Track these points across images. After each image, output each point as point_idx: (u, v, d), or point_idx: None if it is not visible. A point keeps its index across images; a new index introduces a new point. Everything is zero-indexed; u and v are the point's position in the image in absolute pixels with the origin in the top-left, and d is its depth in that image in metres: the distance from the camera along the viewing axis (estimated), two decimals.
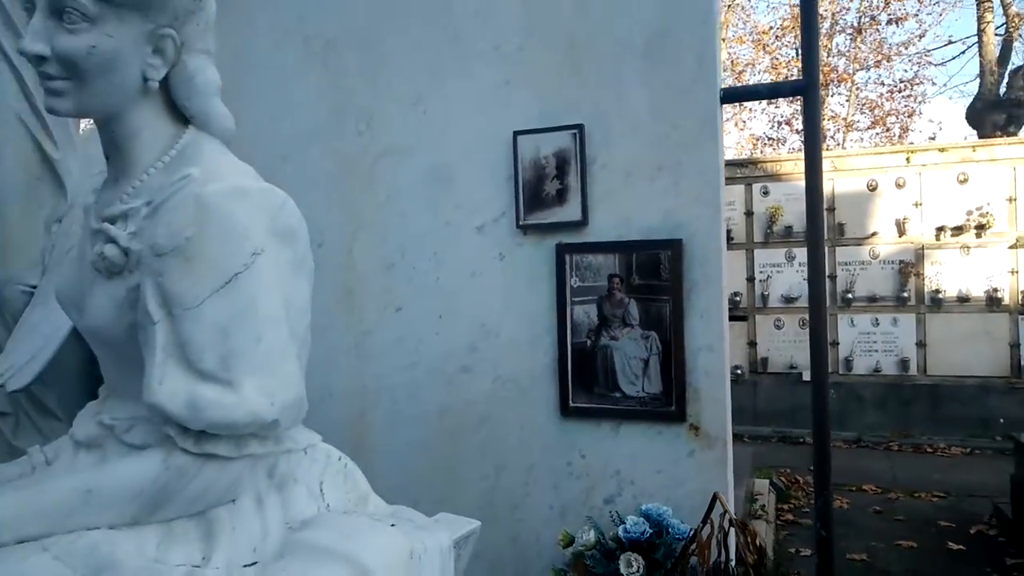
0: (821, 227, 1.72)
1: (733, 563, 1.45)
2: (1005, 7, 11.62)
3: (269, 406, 1.10)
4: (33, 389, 2.00)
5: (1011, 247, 7.83)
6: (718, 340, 1.68)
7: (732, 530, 1.50)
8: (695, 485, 1.69)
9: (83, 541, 1.10)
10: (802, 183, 1.81)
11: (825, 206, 8.03)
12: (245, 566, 1.14)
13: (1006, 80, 11.14)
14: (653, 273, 1.71)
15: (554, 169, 1.77)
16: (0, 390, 2.00)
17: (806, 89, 1.63)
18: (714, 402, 1.69)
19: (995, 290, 7.87)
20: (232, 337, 1.10)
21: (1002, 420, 7.73)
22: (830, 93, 13.93)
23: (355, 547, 1.13)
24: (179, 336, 1.10)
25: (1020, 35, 12.18)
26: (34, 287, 2.03)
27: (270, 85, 2.11)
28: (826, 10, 13.09)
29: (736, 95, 2.16)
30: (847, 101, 14.99)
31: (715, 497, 1.53)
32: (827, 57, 13.51)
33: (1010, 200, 7.85)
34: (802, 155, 1.84)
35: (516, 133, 1.81)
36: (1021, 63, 11.37)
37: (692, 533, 1.56)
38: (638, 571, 1.53)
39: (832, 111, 14.19)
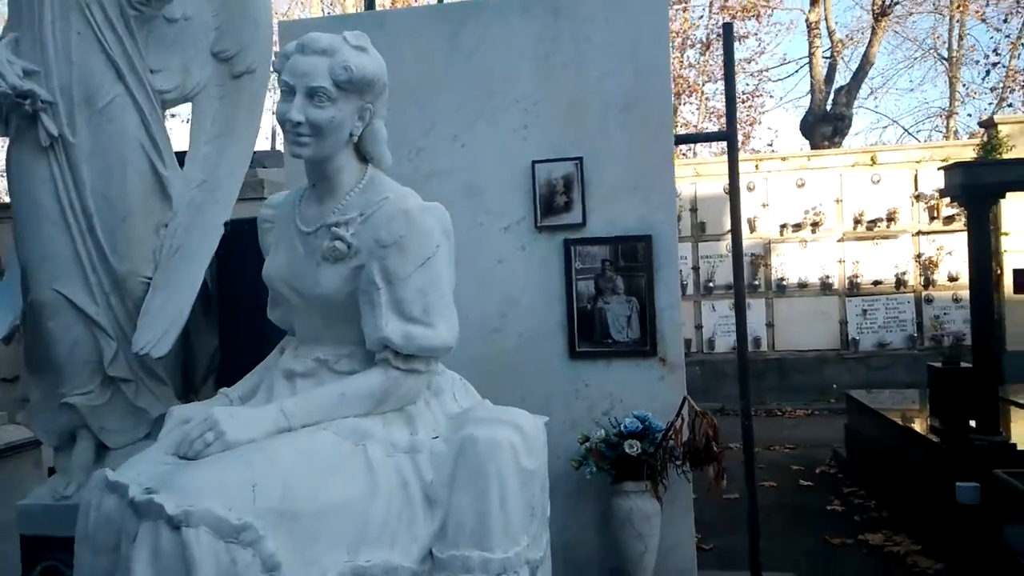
0: (739, 232, 2.68)
1: (698, 439, 2.34)
2: (831, 33, 13.60)
3: (450, 338, 1.88)
4: (146, 359, 2.59)
5: (839, 241, 9.43)
6: (675, 302, 2.59)
7: (695, 420, 2.39)
8: (663, 398, 2.58)
9: (347, 422, 1.82)
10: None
11: (689, 207, 9.34)
12: (434, 438, 1.89)
13: (832, 97, 13.07)
14: (632, 258, 2.59)
15: (562, 187, 2.61)
16: (140, 358, 2.56)
17: (729, 137, 2.58)
18: (674, 343, 2.60)
19: (827, 277, 9.44)
20: (428, 296, 1.85)
21: (835, 385, 9.26)
22: (682, 103, 15.54)
23: (509, 416, 1.93)
24: (395, 296, 1.83)
25: (843, 58, 14.27)
26: (149, 278, 2.60)
27: None
28: (680, 27, 14.62)
29: (682, 140, 3.08)
30: (697, 110, 16.74)
31: (685, 399, 2.42)
32: (679, 69, 15.05)
33: (838, 201, 9.45)
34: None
35: (534, 162, 2.63)
36: (844, 83, 13.32)
37: (669, 424, 2.44)
38: (636, 450, 2.40)
39: (684, 119, 15.81)
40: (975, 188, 4.86)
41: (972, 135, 9.09)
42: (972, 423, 4.81)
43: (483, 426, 1.85)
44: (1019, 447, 4.39)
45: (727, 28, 2.62)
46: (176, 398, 2.74)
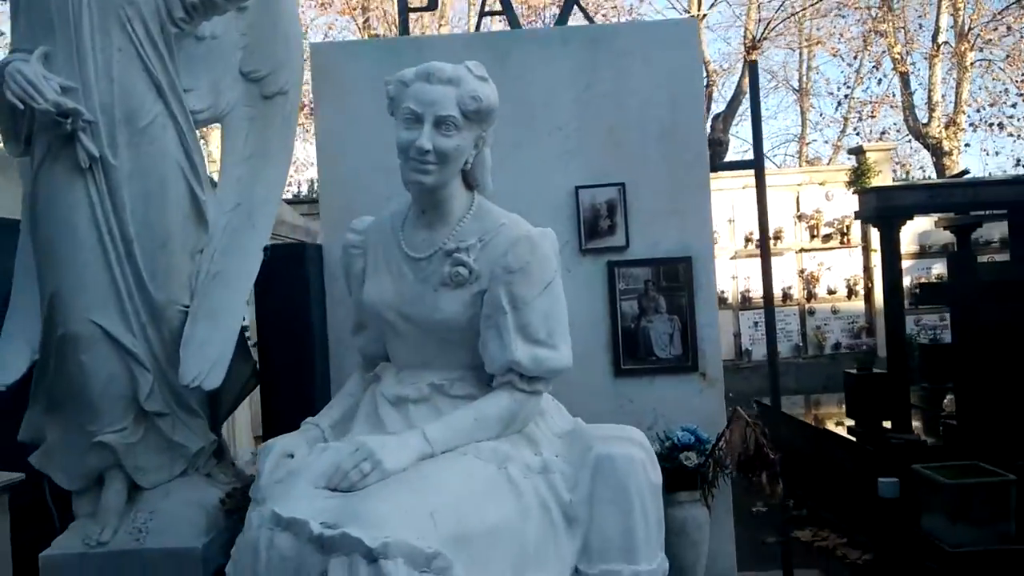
0: (768, 249, 2.89)
1: (750, 447, 2.50)
2: (706, 64, 14.54)
3: (570, 359, 1.94)
4: (182, 393, 2.48)
5: (731, 258, 10.04)
6: (713, 319, 2.75)
7: (746, 429, 2.55)
8: (703, 411, 2.72)
9: (485, 446, 1.84)
10: None
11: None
12: (556, 456, 1.94)
13: (709, 123, 13.95)
14: (673, 278, 2.73)
15: (605, 211, 2.71)
16: (174, 391, 2.44)
17: (756, 164, 2.79)
18: (713, 358, 2.75)
19: (722, 292, 10.00)
20: (550, 319, 1.92)
21: (731, 394, 9.85)
22: None
23: (628, 433, 2.00)
24: (521, 320, 1.88)
25: (719, 87, 15.29)
26: (186, 306, 2.48)
27: (373, 146, 2.76)
28: None
29: (717, 167, 3.28)
30: None
31: (735, 410, 2.58)
32: None
33: (730, 221, 10.06)
34: None
35: (577, 187, 2.72)
36: (720, 110, 14.26)
37: (719, 435, 2.59)
38: (693, 462, 2.53)
39: None
40: (887, 210, 5.42)
41: (866, 150, 9.92)
42: (888, 423, 5.33)
43: (613, 444, 1.91)
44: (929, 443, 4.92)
45: (752, 66, 2.85)
46: (210, 431, 2.62)
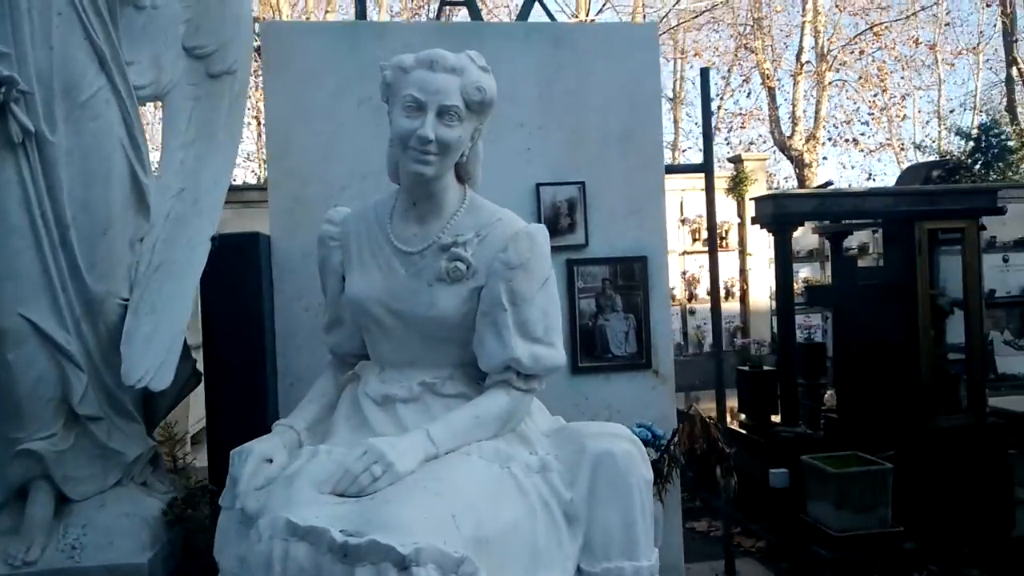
0: (715, 248, 2.98)
1: (705, 443, 2.58)
2: None
3: (564, 357, 1.94)
4: (117, 394, 2.29)
5: None
6: (666, 318, 2.81)
7: (700, 426, 2.63)
8: (656, 407, 2.78)
9: (487, 446, 1.80)
10: None
11: None
12: (547, 455, 1.92)
13: None
14: (629, 277, 2.76)
15: (566, 209, 2.71)
16: (108, 393, 2.23)
17: (705, 167, 2.88)
18: (665, 356, 2.81)
19: None
20: (548, 316, 1.90)
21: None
22: None
23: (618, 430, 2.00)
24: (520, 317, 1.86)
25: None
26: (126, 300, 2.29)
27: (327, 130, 2.63)
28: None
29: (670, 169, 3.33)
30: None
31: (691, 406, 2.65)
32: None
33: None
34: None
35: (538, 184, 2.70)
36: None
37: (674, 431, 2.65)
38: (652, 458, 2.58)
39: None
40: (783, 216, 5.75)
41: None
42: (776, 418, 5.68)
43: (609, 441, 1.90)
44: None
45: (704, 72, 2.94)
46: (147, 436, 2.42)
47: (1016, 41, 16.28)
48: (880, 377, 6.09)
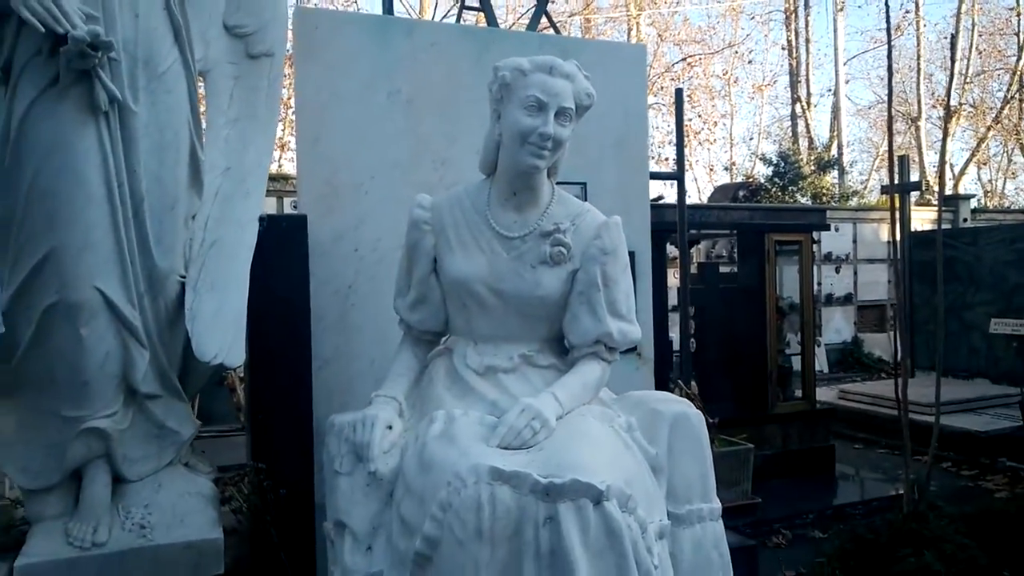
0: (687, 252, 3.37)
1: None
2: None
3: (640, 332, 2.25)
4: (169, 373, 2.31)
5: None
6: (648, 307, 3.17)
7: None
8: (639, 386, 3.12)
9: (595, 408, 2.08)
10: None
11: None
12: (626, 418, 2.22)
13: None
14: None
15: None
16: (163, 372, 2.22)
17: (678, 176, 3.28)
18: (647, 341, 3.17)
19: None
20: (629, 297, 2.21)
21: None
22: None
23: (675, 397, 2.32)
24: (610, 297, 2.16)
25: None
26: (183, 277, 2.30)
27: (357, 122, 2.70)
28: None
29: (653, 176, 3.63)
30: None
31: (676, 384, 3.02)
32: None
33: None
34: None
35: None
36: None
37: None
38: None
39: None
40: (658, 225, 6.38)
41: None
42: None
43: (678, 405, 2.21)
44: None
45: (678, 92, 3.33)
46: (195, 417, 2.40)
47: (799, 81, 18.73)
48: (734, 368, 6.93)
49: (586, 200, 2.93)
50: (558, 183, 2.84)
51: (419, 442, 1.85)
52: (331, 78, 2.74)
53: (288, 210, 9.09)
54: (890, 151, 4.73)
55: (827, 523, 5.28)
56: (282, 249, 2.48)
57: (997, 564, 4.28)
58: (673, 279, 9.77)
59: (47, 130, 1.96)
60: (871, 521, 4.84)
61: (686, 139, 17.40)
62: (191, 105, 2.26)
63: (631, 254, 3.01)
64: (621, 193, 3.14)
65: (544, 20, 3.15)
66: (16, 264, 2.01)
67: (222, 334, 2.23)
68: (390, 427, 1.97)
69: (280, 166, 13.53)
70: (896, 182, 9.91)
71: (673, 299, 8.14)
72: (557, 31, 3.31)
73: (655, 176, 3.98)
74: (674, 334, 8.54)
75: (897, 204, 10.29)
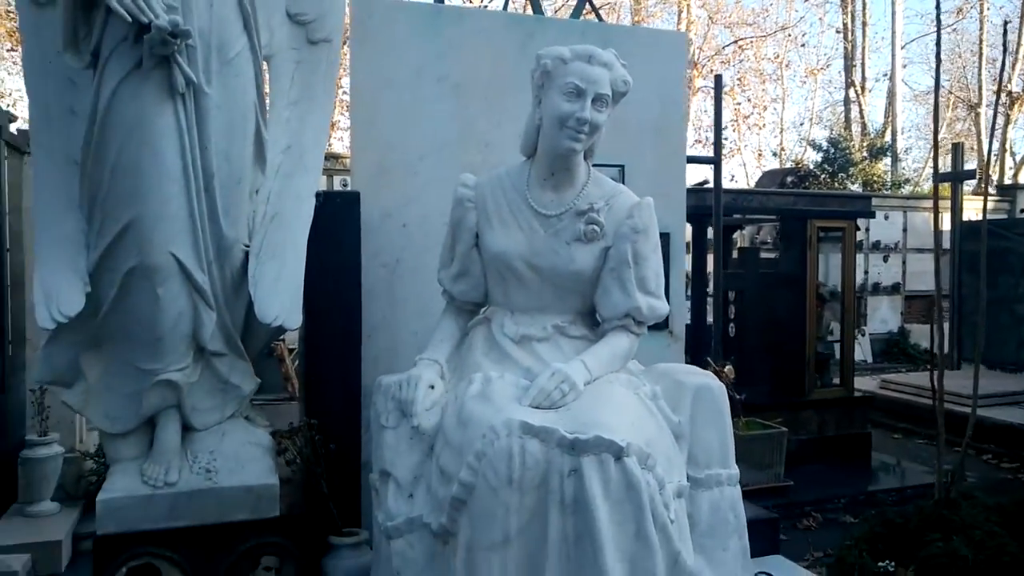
0: (720, 233, 3.50)
1: None
2: None
3: (667, 308, 2.39)
4: (233, 334, 2.53)
5: None
6: (681, 288, 3.32)
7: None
8: (670, 361, 3.28)
9: (621, 376, 2.23)
10: None
11: None
12: (652, 387, 2.37)
13: None
14: None
15: None
16: (228, 331, 2.44)
17: (715, 160, 3.40)
18: (679, 320, 3.32)
19: None
20: (659, 275, 2.35)
21: None
22: None
23: (698, 370, 2.47)
24: (640, 274, 2.30)
25: None
26: (247, 246, 2.51)
27: (408, 105, 2.89)
28: None
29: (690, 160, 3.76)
30: None
31: (706, 360, 3.17)
32: None
33: None
34: None
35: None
36: None
37: None
38: None
39: None
40: (701, 208, 6.47)
41: None
42: None
43: (702, 377, 2.37)
44: None
45: (717, 79, 3.45)
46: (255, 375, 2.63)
47: (854, 65, 18.39)
48: (772, 354, 7.00)
49: (624, 182, 3.08)
50: (597, 165, 3.00)
51: (458, 401, 2.04)
52: (384, 63, 2.92)
53: (337, 188, 9.39)
54: (935, 138, 4.74)
55: (859, 508, 5.36)
56: (336, 224, 2.68)
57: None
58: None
59: (131, 110, 2.18)
60: (903, 507, 4.93)
61: (735, 123, 17.35)
62: (257, 88, 2.46)
63: (666, 235, 3.18)
64: (658, 176, 3.27)
65: (588, 7, 3.28)
66: (102, 231, 2.24)
67: (281, 299, 2.45)
68: (432, 387, 2.16)
69: (330, 145, 13.82)
70: (950, 170, 9.77)
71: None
72: (600, 18, 3.43)
73: (692, 160, 4.10)
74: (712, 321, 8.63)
75: (949, 193, 10.14)
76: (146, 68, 2.17)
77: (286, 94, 2.66)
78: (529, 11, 3.29)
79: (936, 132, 4.14)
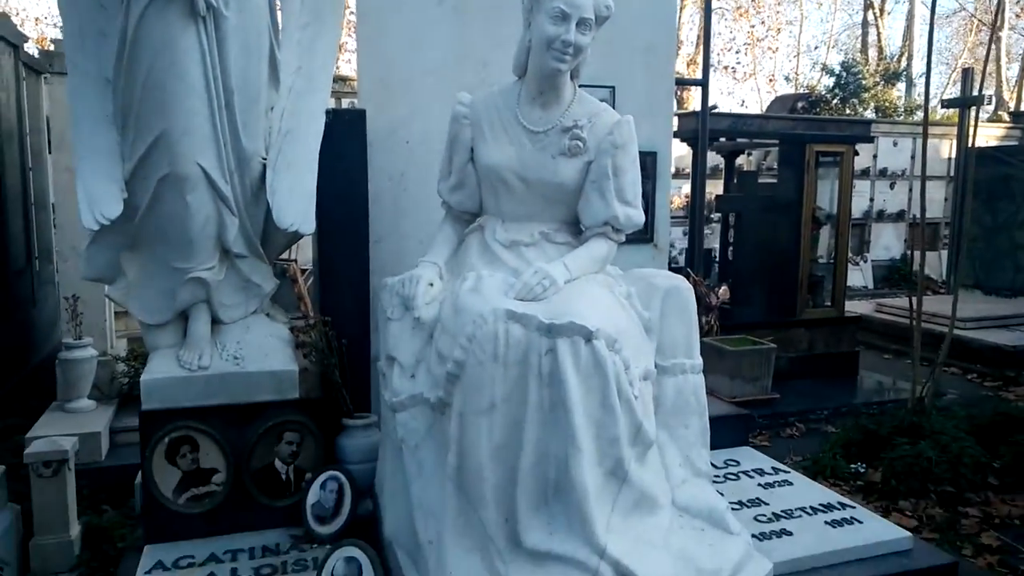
0: (704, 159, 3.75)
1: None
2: None
3: (643, 217, 2.66)
4: (253, 238, 2.82)
5: None
6: (666, 203, 3.58)
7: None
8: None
9: (598, 277, 2.51)
10: None
11: None
12: (627, 288, 2.66)
13: None
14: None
15: None
16: (248, 236, 2.73)
17: (702, 82, 3.61)
18: (663, 234, 3.59)
19: None
20: (636, 185, 2.61)
21: None
22: None
23: (669, 272, 2.76)
24: (619, 185, 2.55)
25: None
26: (264, 159, 2.78)
27: (411, 27, 3.11)
28: None
29: (677, 82, 3.96)
30: None
31: (683, 268, 3.46)
32: None
33: None
34: None
35: (580, 86, 3.34)
36: None
37: None
38: None
39: None
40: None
41: None
42: None
43: (671, 279, 2.66)
44: None
45: (707, 2, 3.63)
46: (274, 276, 2.94)
47: None
48: (767, 275, 7.29)
49: (614, 104, 3.33)
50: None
51: (453, 294, 2.34)
52: None
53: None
54: (929, 62, 4.87)
55: (841, 420, 5.73)
56: (344, 139, 2.94)
57: (990, 457, 4.72)
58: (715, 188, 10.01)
59: (158, 32, 2.43)
60: (879, 417, 5.30)
61: (749, 46, 17.22)
62: (271, 12, 2.70)
63: (652, 154, 3.43)
64: (648, 97, 3.50)
65: None
66: (135, 143, 2.52)
67: (296, 207, 2.74)
68: (431, 284, 2.46)
69: (338, 68, 13.87)
70: (962, 95, 9.82)
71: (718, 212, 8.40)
72: None
73: (680, 82, 4.30)
74: (715, 244, 8.91)
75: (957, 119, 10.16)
76: None
77: (296, 17, 2.88)
78: None
79: (930, 57, 4.29)
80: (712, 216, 9.54)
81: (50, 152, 4.88)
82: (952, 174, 11.17)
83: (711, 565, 2.16)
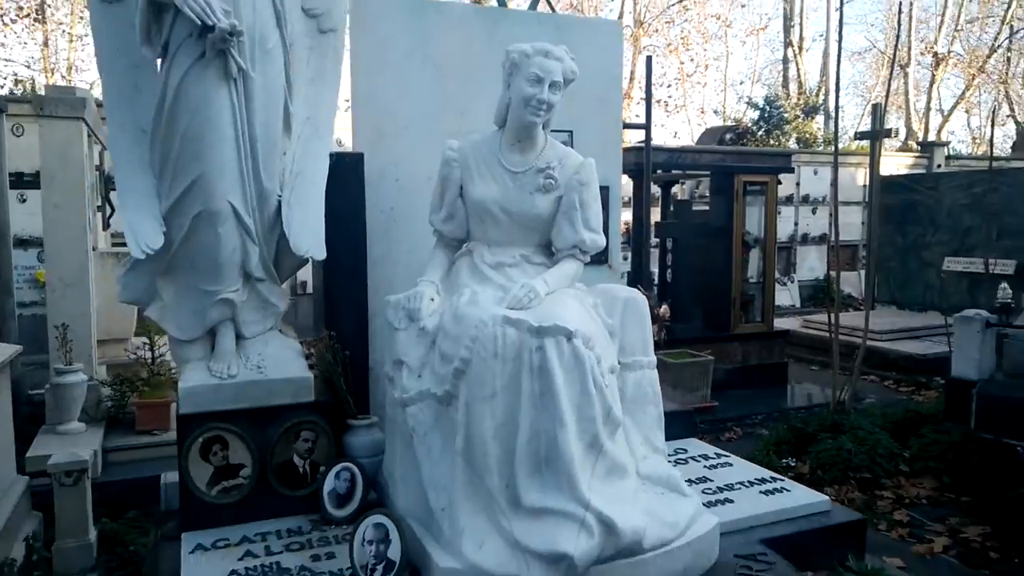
0: (648, 192, 4.35)
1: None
2: None
3: (604, 241, 3.23)
4: (269, 264, 3.30)
5: None
6: (618, 231, 4.16)
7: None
8: None
9: (570, 291, 3.07)
10: None
11: None
12: (595, 298, 3.22)
13: None
14: None
15: None
16: (266, 262, 3.21)
17: (645, 126, 4.22)
18: (616, 256, 4.18)
19: None
20: (598, 215, 3.19)
21: None
22: None
23: (628, 287, 3.33)
24: (584, 215, 3.13)
25: None
26: (279, 196, 3.26)
27: (399, 82, 3.63)
28: None
29: (625, 126, 4.57)
30: None
31: (638, 286, 4.04)
32: None
33: None
34: None
35: None
36: None
37: None
38: None
39: None
40: (643, 165, 7.37)
41: None
42: None
43: (630, 292, 3.21)
44: None
45: (648, 60, 4.25)
46: (286, 295, 3.40)
47: (793, 26, 19.37)
48: (703, 294, 8.00)
49: (572, 144, 3.91)
50: (553, 131, 3.82)
51: (452, 307, 2.85)
52: (379, 48, 3.66)
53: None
54: (836, 99, 5.64)
55: (774, 423, 6.40)
56: (345, 178, 3.43)
57: (901, 448, 5.44)
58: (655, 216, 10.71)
59: (196, 91, 2.88)
60: (805, 418, 5.99)
61: (679, 81, 18.27)
62: (286, 72, 3.18)
63: (606, 187, 4.02)
64: (600, 139, 4.10)
65: (543, 1, 4.05)
66: (172, 185, 2.96)
67: (309, 237, 3.21)
68: (432, 299, 2.96)
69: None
70: (872, 128, 10.81)
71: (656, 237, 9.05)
72: (552, 9, 4.21)
73: (627, 126, 4.92)
74: (654, 267, 9.60)
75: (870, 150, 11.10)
76: (208, 59, 2.88)
77: (304, 75, 3.37)
78: (494, 3, 4.04)
79: (838, 92, 5.01)
80: (651, 241, 10.22)
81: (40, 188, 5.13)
82: (867, 200, 12.17)
83: (671, 518, 2.70)
